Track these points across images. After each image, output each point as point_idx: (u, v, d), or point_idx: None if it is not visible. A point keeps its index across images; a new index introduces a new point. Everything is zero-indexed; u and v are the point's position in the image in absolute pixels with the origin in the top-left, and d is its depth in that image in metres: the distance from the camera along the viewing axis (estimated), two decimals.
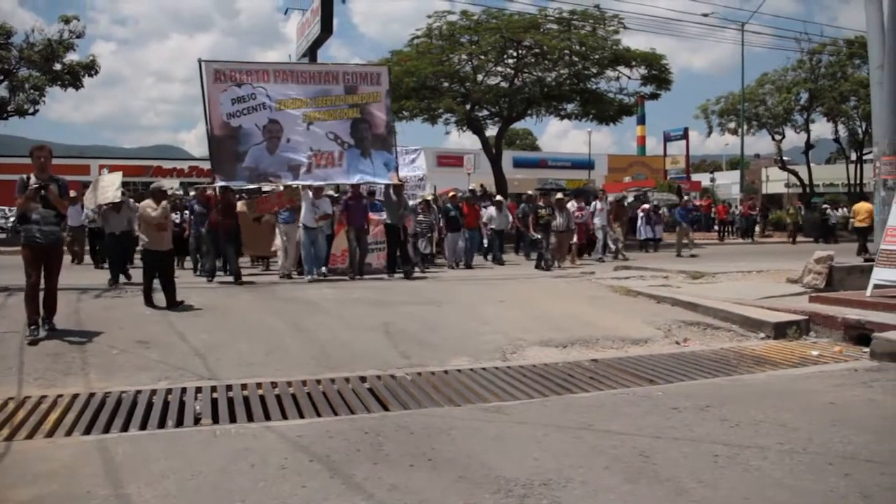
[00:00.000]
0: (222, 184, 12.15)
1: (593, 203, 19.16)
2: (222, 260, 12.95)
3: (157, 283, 9.16)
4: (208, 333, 7.61)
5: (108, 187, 12.25)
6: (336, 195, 14.52)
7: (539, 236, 15.43)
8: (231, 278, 11.89)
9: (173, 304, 8.95)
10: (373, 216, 13.73)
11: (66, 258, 14.56)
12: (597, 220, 18.64)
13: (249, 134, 12.43)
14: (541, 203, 16.22)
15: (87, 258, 16.51)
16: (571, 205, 16.81)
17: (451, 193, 17.10)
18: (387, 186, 13.25)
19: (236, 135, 12.38)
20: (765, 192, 54.06)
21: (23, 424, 4.76)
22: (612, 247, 18.97)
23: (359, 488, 3.62)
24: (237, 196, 13.89)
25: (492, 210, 17.76)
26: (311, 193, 12.35)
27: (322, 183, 12.91)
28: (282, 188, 13.27)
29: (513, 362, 6.72)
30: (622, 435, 4.44)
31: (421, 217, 15.10)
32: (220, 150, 12.46)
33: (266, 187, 14.60)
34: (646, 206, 23.67)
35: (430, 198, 16.11)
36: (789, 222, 29.14)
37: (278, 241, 13.32)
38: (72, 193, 15.03)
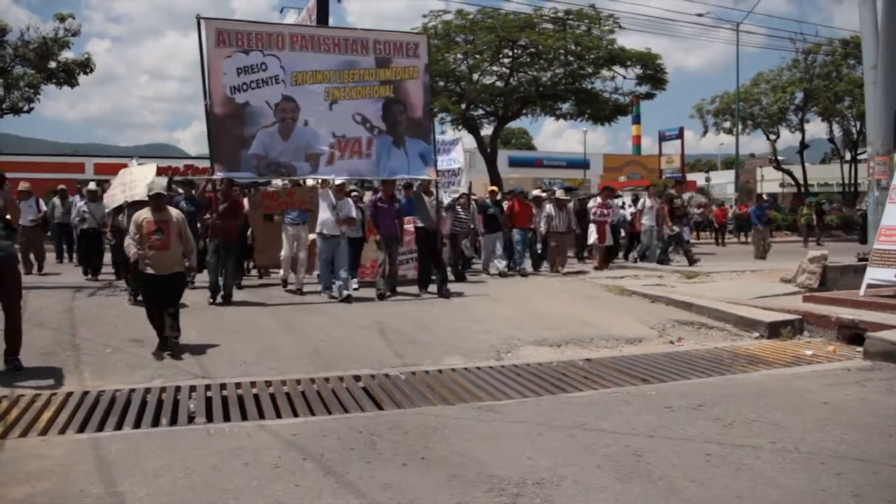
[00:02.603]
0: (222, 175, 9.91)
1: (641, 200, 16.60)
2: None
3: None
4: (202, 332, 7.59)
5: (139, 182, 9.61)
6: (353, 189, 12.00)
7: (677, 230, 14.17)
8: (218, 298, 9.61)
9: (173, 346, 6.73)
10: (407, 227, 11.36)
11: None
12: (645, 220, 15.83)
13: (258, 113, 10.04)
14: (674, 191, 14.75)
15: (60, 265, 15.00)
16: (592, 202, 14.91)
17: (490, 189, 14.79)
18: (419, 183, 11.30)
19: (241, 114, 9.99)
20: (759, 192, 54.20)
21: (17, 422, 4.75)
22: (655, 251, 15.77)
23: (352, 487, 3.63)
24: (241, 189, 11.82)
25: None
26: (330, 192, 10.17)
27: (346, 178, 10.74)
28: (293, 185, 11.25)
29: (507, 361, 6.72)
30: (615, 434, 4.46)
31: (462, 214, 12.71)
32: (222, 132, 9.96)
33: (276, 181, 12.10)
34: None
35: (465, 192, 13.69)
36: (803, 223, 26.27)
37: (284, 249, 10.78)
38: (22, 186, 13.77)
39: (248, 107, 10.01)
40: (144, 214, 6.86)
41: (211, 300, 9.49)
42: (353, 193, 10.78)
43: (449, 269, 12.11)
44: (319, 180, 10.84)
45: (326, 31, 11.88)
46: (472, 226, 13.25)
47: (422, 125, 11.15)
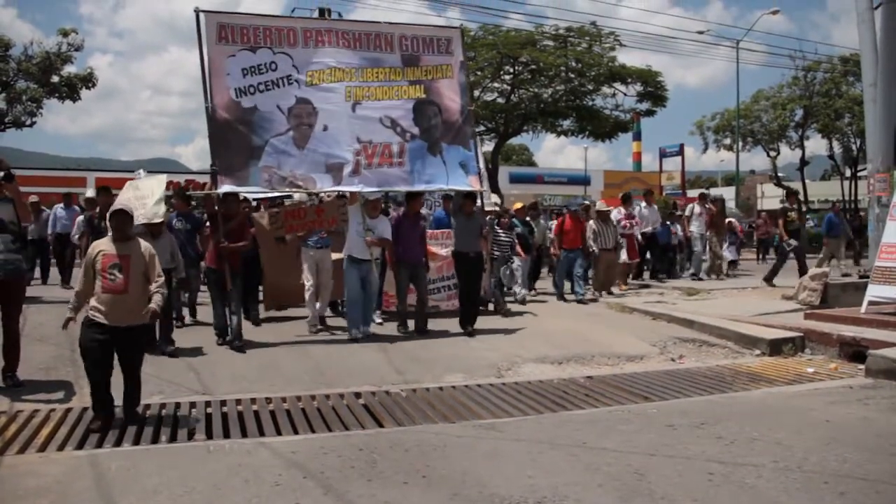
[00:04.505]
0: (227, 189, 8.25)
1: (689, 207, 15.58)
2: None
3: None
4: (204, 347, 7.58)
5: (146, 198, 7.75)
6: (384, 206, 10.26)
7: (794, 244, 13.28)
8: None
9: (129, 415, 5.18)
10: (432, 248, 9.83)
11: None
12: (693, 228, 14.91)
13: (269, 119, 8.53)
14: (787, 204, 13.96)
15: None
16: (616, 213, 13.58)
17: (517, 206, 13.00)
18: (457, 196, 9.57)
19: (249, 119, 8.45)
20: (760, 208, 54.22)
21: (15, 439, 4.74)
22: (716, 262, 15.26)
23: None
24: (247, 204, 9.71)
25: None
26: (361, 208, 8.70)
27: (377, 190, 9.06)
28: (323, 199, 9.60)
29: (508, 379, 6.71)
30: (617, 452, 4.43)
31: (501, 235, 11.04)
32: (227, 142, 8.40)
33: (295, 196, 9.91)
34: (732, 220, 19.10)
35: (497, 208, 12.13)
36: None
37: (307, 279, 8.90)
38: None
39: (256, 112, 8.53)
40: (102, 245, 5.24)
41: (219, 341, 7.94)
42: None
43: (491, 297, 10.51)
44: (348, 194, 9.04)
45: (344, 24, 9.86)
46: (514, 249, 11.31)
47: (461, 130, 9.58)
